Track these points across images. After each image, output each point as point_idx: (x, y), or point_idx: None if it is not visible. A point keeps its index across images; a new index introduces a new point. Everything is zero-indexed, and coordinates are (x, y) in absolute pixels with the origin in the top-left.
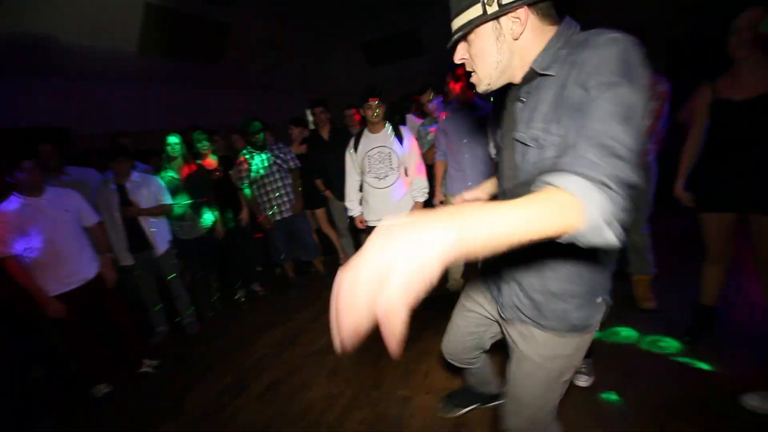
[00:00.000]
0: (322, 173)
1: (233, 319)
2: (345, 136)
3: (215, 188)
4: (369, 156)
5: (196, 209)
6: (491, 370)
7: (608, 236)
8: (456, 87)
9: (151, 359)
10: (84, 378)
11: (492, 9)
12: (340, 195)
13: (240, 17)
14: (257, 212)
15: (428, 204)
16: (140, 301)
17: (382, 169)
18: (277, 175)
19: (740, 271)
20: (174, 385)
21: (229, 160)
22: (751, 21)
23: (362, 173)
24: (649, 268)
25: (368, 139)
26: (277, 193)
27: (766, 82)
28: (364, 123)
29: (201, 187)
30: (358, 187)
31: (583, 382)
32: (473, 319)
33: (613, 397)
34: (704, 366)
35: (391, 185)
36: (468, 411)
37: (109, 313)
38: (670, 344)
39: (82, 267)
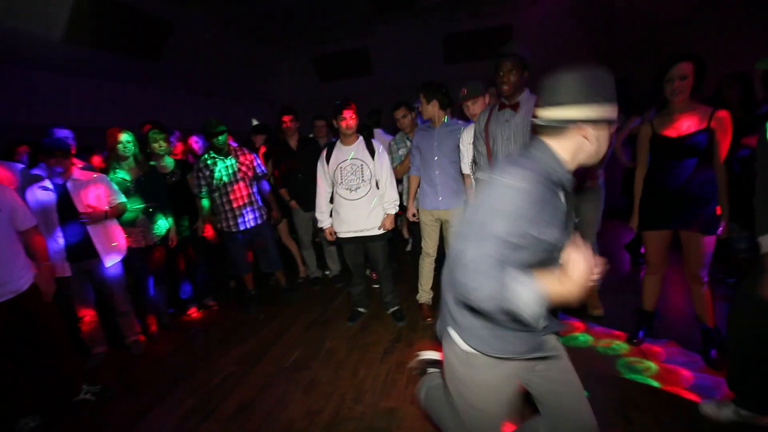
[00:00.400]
0: (287, 183)
1: (186, 336)
2: (314, 146)
3: (170, 193)
4: (341, 168)
5: (148, 215)
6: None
7: None
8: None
9: (91, 385)
10: (3, 411)
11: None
12: (307, 206)
13: (186, 16)
14: (212, 224)
15: (398, 217)
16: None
17: (354, 181)
18: (243, 183)
19: (672, 280)
20: (123, 413)
21: (186, 163)
22: (683, 72)
23: (333, 185)
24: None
25: (341, 151)
26: (243, 202)
27: (693, 124)
28: (335, 134)
29: (154, 190)
30: (328, 199)
31: None
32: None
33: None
34: (650, 364)
35: (362, 197)
36: None
37: (43, 330)
38: (621, 346)
39: (13, 277)
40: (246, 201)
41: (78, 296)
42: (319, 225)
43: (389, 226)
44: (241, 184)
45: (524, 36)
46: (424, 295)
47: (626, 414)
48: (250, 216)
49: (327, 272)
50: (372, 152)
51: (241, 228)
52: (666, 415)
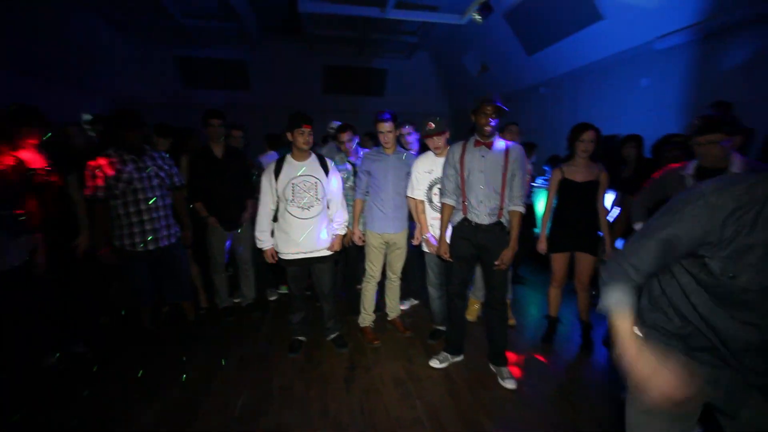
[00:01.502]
0: (206, 196)
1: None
2: (241, 157)
3: (38, 196)
4: (294, 184)
5: (4, 225)
6: None
7: None
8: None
9: None
10: None
11: None
12: (228, 224)
13: None
14: (99, 242)
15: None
16: None
17: (308, 198)
18: (158, 192)
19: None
20: None
21: (65, 158)
22: (591, 137)
23: (281, 202)
24: (509, 294)
25: (293, 167)
26: (155, 215)
27: (590, 174)
28: (275, 146)
29: (14, 191)
30: (272, 217)
31: (510, 384)
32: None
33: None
34: (565, 357)
35: (315, 216)
36: None
37: None
38: (537, 347)
39: None
40: (160, 215)
41: None
42: (260, 246)
43: (338, 247)
44: (156, 193)
45: (395, 82)
46: (368, 318)
47: (573, 403)
48: (163, 233)
49: (237, 300)
50: (326, 170)
51: (150, 247)
52: None
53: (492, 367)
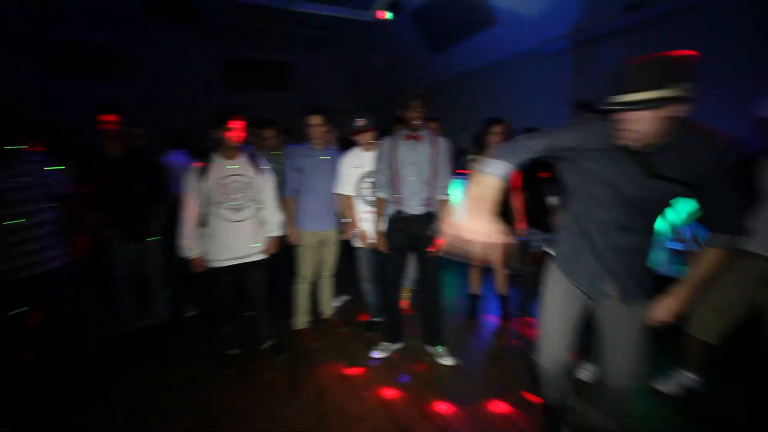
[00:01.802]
0: (101, 205)
1: None
2: (147, 159)
3: None
4: (224, 185)
5: None
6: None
7: None
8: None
9: None
10: None
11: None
12: (131, 235)
13: None
14: None
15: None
16: None
17: (240, 199)
18: (30, 207)
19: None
20: None
21: None
22: (501, 130)
23: (209, 204)
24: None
25: (222, 166)
26: (28, 235)
27: None
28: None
29: None
30: (198, 222)
31: (448, 361)
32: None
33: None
34: (489, 329)
35: (249, 218)
36: None
37: None
38: (465, 323)
39: None
40: (38, 233)
41: None
42: (186, 254)
43: (273, 249)
44: (30, 205)
45: (304, 77)
46: (303, 320)
47: (502, 371)
48: (40, 257)
49: (148, 322)
50: (258, 169)
51: (23, 275)
52: None
53: (429, 348)
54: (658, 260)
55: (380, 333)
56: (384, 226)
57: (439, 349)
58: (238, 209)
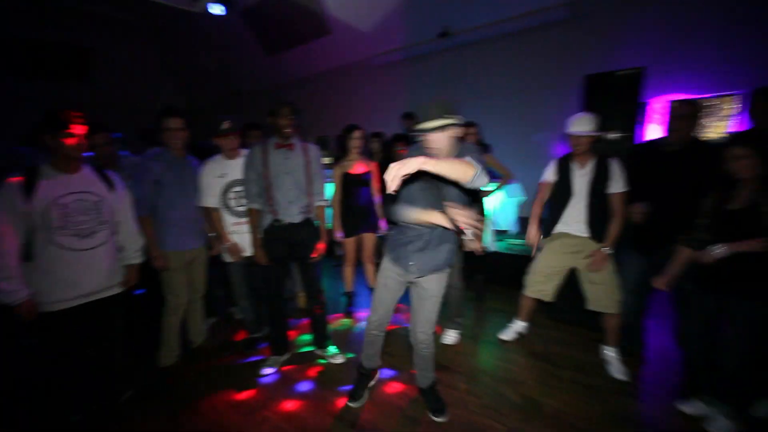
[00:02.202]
0: None
1: None
2: None
3: None
4: (60, 205)
5: None
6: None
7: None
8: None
9: None
10: None
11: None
12: None
13: None
14: None
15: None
16: None
17: (88, 223)
18: None
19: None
20: None
21: None
22: (360, 135)
23: (37, 231)
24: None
25: (58, 182)
26: None
27: (363, 167)
28: None
29: None
30: (19, 255)
31: (339, 359)
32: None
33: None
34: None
35: (100, 245)
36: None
37: None
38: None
39: None
40: None
41: None
42: (10, 300)
43: (135, 280)
44: None
45: (107, 67)
46: (173, 354)
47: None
48: None
49: None
50: (109, 184)
51: None
52: None
53: (319, 351)
54: (486, 240)
55: (267, 349)
56: (261, 238)
57: (329, 349)
58: (84, 235)
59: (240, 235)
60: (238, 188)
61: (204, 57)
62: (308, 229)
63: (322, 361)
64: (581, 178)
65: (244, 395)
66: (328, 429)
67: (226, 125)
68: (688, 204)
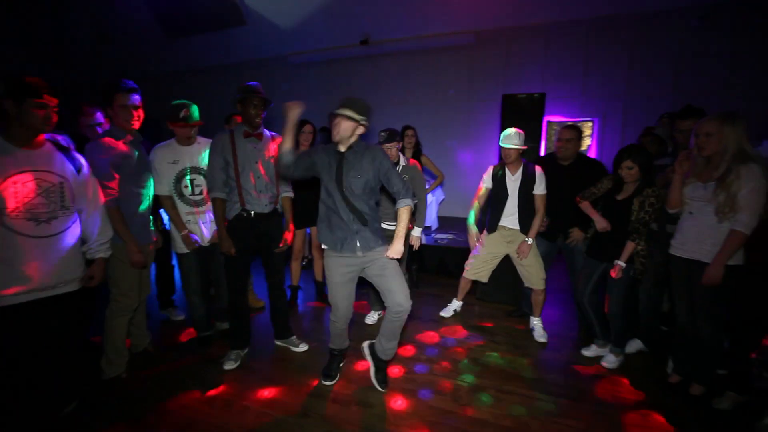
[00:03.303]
0: None
1: None
2: None
3: None
4: (15, 184)
5: None
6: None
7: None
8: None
9: None
10: None
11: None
12: None
13: None
14: None
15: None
16: None
17: (47, 206)
18: None
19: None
20: None
21: None
22: (310, 129)
23: None
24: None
25: (15, 158)
26: None
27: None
28: None
29: None
30: None
31: (302, 347)
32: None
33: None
34: (314, 313)
35: (60, 232)
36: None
37: None
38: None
39: None
40: None
41: None
42: None
43: (100, 278)
44: None
45: None
46: (121, 362)
47: None
48: None
49: None
50: (76, 165)
51: None
52: None
53: (281, 342)
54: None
55: (225, 344)
56: (226, 228)
57: (291, 339)
58: (41, 220)
59: (194, 225)
60: (192, 176)
61: (84, 28)
62: (276, 219)
63: (286, 350)
64: (513, 183)
65: (214, 391)
66: (310, 406)
67: (183, 113)
68: (575, 204)
